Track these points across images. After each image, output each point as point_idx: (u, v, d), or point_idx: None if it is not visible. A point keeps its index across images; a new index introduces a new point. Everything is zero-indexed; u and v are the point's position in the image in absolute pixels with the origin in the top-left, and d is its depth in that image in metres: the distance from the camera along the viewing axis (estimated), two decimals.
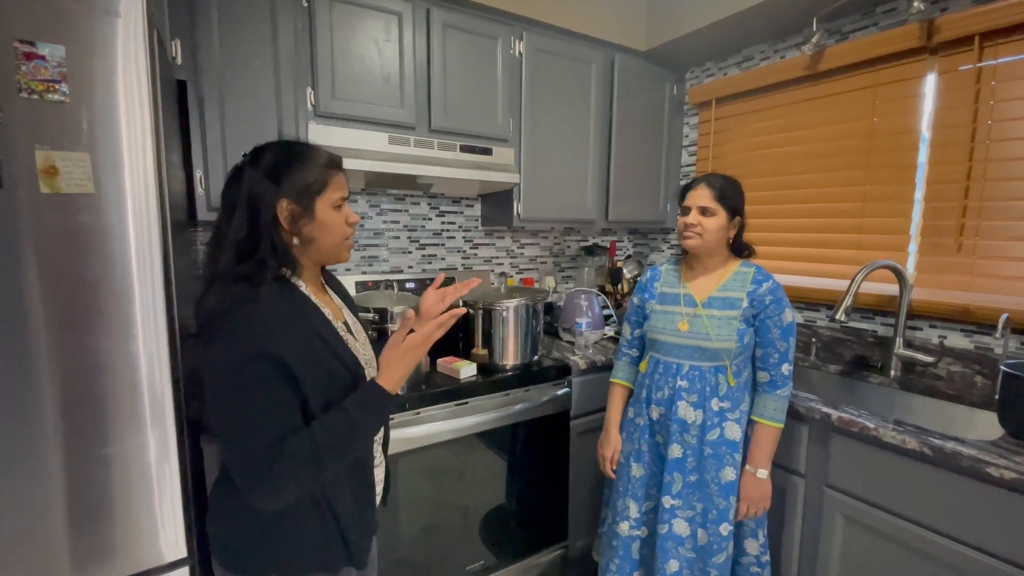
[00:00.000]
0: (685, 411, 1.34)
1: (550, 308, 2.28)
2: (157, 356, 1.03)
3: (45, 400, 0.94)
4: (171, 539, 1.09)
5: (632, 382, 1.53)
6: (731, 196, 1.33)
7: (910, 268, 1.71)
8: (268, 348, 0.77)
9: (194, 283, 1.62)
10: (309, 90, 1.57)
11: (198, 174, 1.45)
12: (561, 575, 1.91)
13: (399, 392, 0.88)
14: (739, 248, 1.38)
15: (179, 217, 1.27)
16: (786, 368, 1.31)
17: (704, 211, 1.32)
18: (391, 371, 0.87)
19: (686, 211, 1.35)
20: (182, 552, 1.10)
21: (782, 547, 1.48)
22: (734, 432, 1.32)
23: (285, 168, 0.84)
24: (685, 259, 1.45)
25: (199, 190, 1.46)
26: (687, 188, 1.38)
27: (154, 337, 1.03)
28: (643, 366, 1.47)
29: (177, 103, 1.40)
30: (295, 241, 0.86)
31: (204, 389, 0.80)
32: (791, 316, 1.31)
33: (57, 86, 0.89)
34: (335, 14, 1.57)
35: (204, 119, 1.44)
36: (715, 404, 1.32)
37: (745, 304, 1.31)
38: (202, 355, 0.79)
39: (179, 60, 1.38)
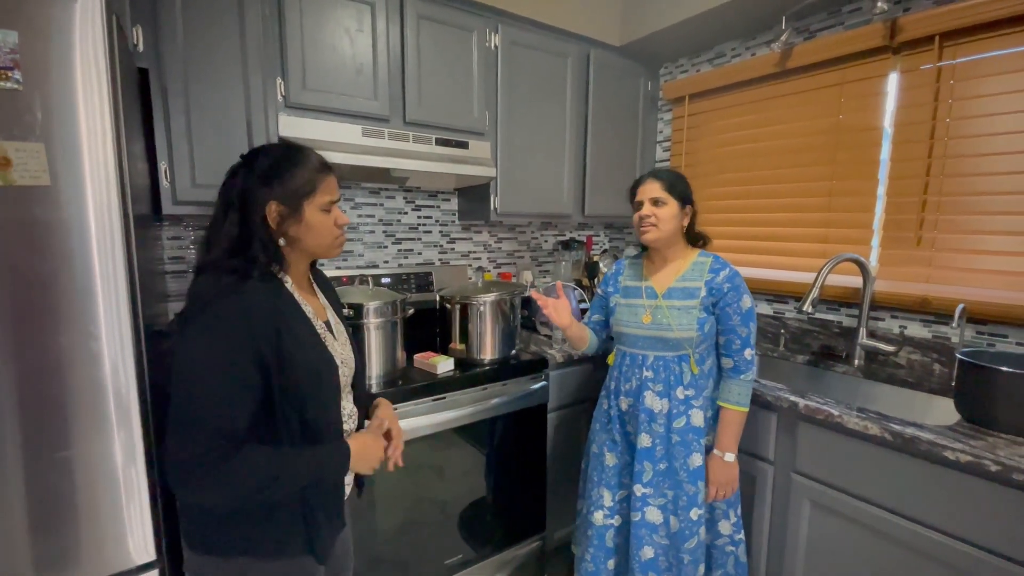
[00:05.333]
0: (652, 401, 1.37)
1: (527, 302, 2.28)
2: (121, 355, 1.00)
3: (1, 399, 0.90)
4: (139, 542, 1.06)
5: (596, 338, 1.58)
6: (679, 186, 1.36)
7: (873, 261, 1.77)
8: (243, 340, 0.80)
9: (160, 279, 1.57)
10: (279, 80, 1.53)
11: (163, 166, 1.40)
12: (539, 566, 1.93)
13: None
14: (694, 238, 1.42)
15: (143, 211, 1.23)
16: (748, 353, 1.35)
17: (656, 202, 1.34)
18: (357, 448, 0.94)
19: (639, 206, 1.38)
20: (151, 555, 1.08)
21: (752, 532, 1.53)
22: (700, 419, 1.35)
23: (276, 171, 0.87)
24: (647, 254, 1.48)
25: (164, 182, 1.41)
26: (636, 185, 1.41)
27: (117, 335, 0.99)
28: (611, 359, 1.51)
29: (140, 93, 1.34)
30: (281, 241, 0.90)
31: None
32: (750, 302, 1.34)
33: (10, 73, 0.84)
34: (304, 1, 1.53)
35: (168, 109, 1.39)
36: (680, 392, 1.35)
37: (703, 293, 1.34)
38: (179, 337, 0.81)
39: (141, 48, 1.33)
